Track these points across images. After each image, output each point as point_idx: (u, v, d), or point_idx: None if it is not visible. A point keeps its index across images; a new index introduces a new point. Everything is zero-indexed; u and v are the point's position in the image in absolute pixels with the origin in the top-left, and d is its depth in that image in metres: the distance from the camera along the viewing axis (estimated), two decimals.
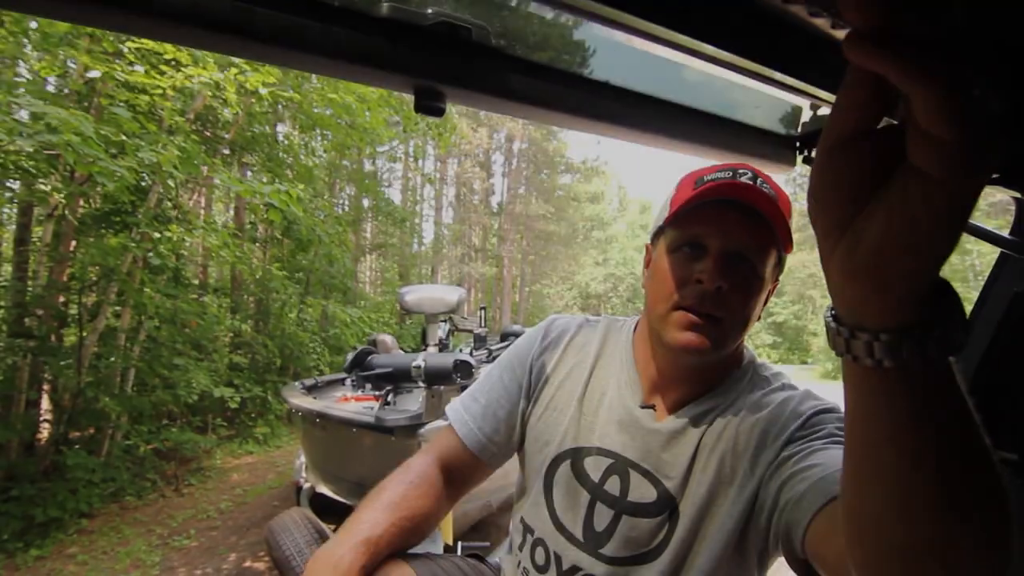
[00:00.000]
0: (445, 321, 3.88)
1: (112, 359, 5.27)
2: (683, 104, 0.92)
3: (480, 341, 4.41)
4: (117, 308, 5.41)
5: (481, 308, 5.04)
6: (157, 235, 4.92)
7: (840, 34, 0.31)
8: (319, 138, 8.90)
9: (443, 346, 3.76)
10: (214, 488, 5.51)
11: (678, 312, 0.73)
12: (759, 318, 0.79)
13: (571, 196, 25.01)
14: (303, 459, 3.83)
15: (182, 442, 5.75)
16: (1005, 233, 0.84)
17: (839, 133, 0.32)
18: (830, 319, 0.37)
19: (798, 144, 1.08)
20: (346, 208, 13.92)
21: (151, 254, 4.87)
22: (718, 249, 0.73)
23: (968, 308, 0.98)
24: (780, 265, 0.78)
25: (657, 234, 0.82)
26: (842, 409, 0.73)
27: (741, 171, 0.75)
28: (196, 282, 8.17)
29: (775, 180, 0.76)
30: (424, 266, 20.13)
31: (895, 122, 0.32)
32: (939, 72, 0.25)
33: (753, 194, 0.70)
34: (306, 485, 3.65)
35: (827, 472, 0.58)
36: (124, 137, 4.03)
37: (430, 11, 0.68)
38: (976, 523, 0.35)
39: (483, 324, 4.72)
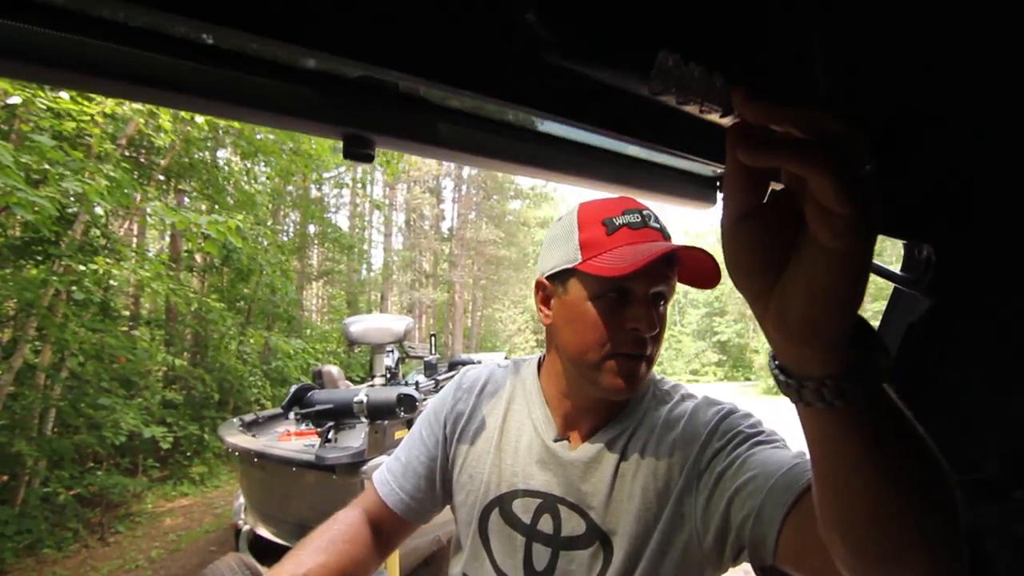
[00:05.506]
0: (392, 350, 3.82)
1: (30, 399, 4.89)
2: (606, 148, 0.97)
3: (430, 369, 4.34)
4: (37, 344, 5.05)
5: (431, 335, 4.98)
6: (82, 267, 4.65)
7: (723, 121, 0.36)
8: (262, 164, 8.69)
9: (392, 375, 3.69)
10: (144, 535, 5.15)
11: (614, 359, 0.74)
12: None
13: (521, 221, 25.26)
14: (242, 500, 3.65)
15: (108, 486, 5.37)
16: (897, 269, 0.92)
17: (732, 215, 0.37)
18: (777, 372, 0.41)
19: (718, 183, 1.15)
20: (291, 235, 13.58)
21: (75, 287, 4.59)
22: (645, 294, 0.74)
23: None
24: None
25: (563, 275, 0.79)
26: (740, 408, 0.76)
27: (644, 212, 0.78)
28: (127, 314, 7.74)
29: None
30: (373, 293, 19.79)
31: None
32: (834, 161, 0.30)
33: (682, 248, 0.73)
34: (245, 528, 3.47)
35: (771, 480, 0.62)
36: (47, 166, 3.82)
37: (358, 64, 0.70)
38: (945, 522, 0.41)
39: (433, 351, 4.66)
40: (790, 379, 0.39)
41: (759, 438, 0.71)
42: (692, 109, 0.35)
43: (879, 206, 0.32)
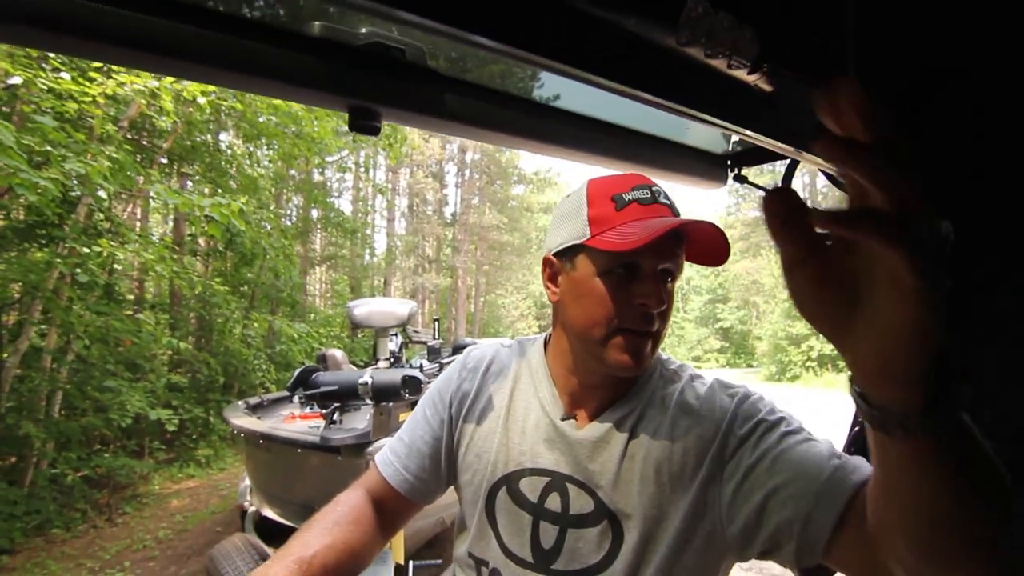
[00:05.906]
0: (396, 334, 3.82)
1: (36, 382, 4.93)
2: (617, 124, 0.94)
3: (434, 353, 4.35)
4: (42, 327, 5.07)
5: (435, 320, 4.98)
6: (86, 250, 4.65)
7: (751, 78, 0.34)
8: (264, 148, 8.65)
9: (395, 359, 3.69)
10: (151, 516, 5.21)
11: (620, 335, 0.73)
12: None
13: (524, 207, 25.15)
14: (247, 482, 3.68)
15: (115, 468, 5.42)
16: None
17: (788, 262, 0.38)
18: (860, 400, 0.41)
19: (729, 162, 1.12)
20: (294, 219, 13.55)
21: (79, 270, 4.59)
22: (653, 270, 0.73)
23: None
24: None
25: (571, 251, 0.78)
26: (753, 391, 0.77)
27: (654, 188, 0.77)
28: (131, 298, 7.76)
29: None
30: (376, 277, 19.80)
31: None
32: (906, 236, 0.30)
33: (693, 223, 0.72)
34: (251, 509, 3.50)
35: (815, 485, 0.61)
36: (49, 147, 3.80)
37: (363, 31, 0.68)
38: (1006, 532, 0.43)
39: (437, 336, 4.66)
40: (873, 409, 0.40)
41: (783, 428, 0.70)
42: (719, 64, 0.33)
43: (947, 271, 0.32)
